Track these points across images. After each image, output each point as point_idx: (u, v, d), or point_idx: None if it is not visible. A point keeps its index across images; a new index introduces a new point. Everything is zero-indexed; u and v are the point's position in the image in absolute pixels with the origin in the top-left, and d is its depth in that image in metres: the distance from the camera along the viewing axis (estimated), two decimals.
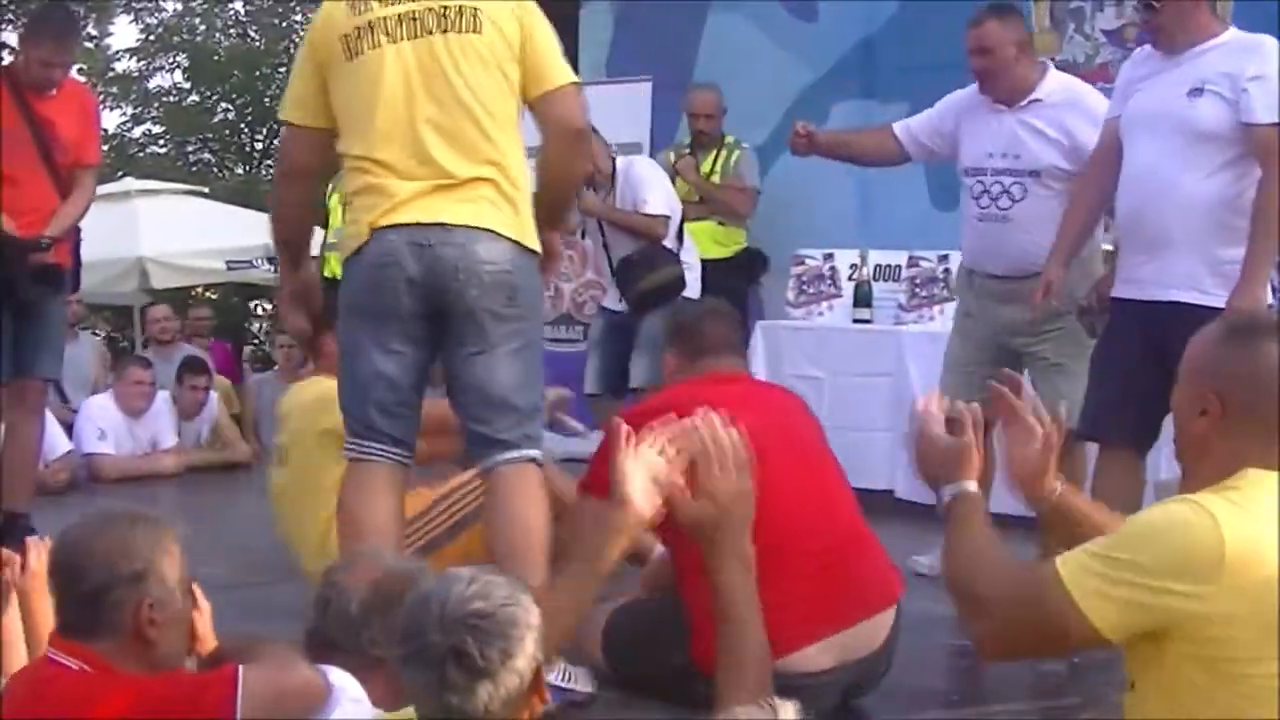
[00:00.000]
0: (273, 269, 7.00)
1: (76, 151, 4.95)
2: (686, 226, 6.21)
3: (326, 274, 5.82)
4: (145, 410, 7.28)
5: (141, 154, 22.11)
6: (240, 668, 2.27)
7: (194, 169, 21.88)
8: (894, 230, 6.47)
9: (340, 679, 2.34)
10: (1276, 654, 1.96)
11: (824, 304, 6.25)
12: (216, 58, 22.10)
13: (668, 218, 5.96)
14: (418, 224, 3.26)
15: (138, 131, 22.68)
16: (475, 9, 3.31)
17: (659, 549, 3.81)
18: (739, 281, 6.53)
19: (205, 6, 22.77)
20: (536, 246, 3.38)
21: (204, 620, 2.56)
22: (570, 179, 3.57)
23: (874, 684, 3.31)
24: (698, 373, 3.41)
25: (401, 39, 3.30)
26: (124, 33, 24.13)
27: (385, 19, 3.31)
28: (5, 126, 4.78)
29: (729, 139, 6.80)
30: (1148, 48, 4.00)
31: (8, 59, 6.30)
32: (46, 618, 2.56)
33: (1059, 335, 4.35)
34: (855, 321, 6.05)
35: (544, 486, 3.35)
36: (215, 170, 22.84)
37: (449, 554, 3.74)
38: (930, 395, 2.59)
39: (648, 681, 3.29)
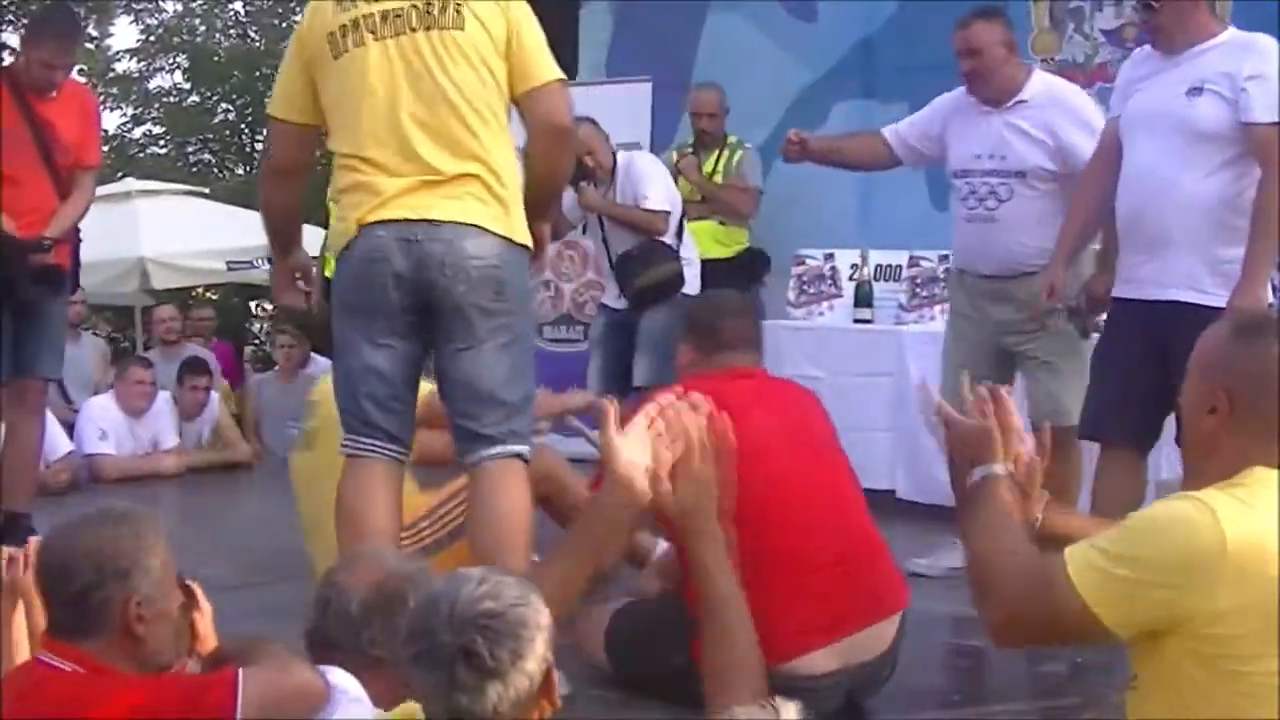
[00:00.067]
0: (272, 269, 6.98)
1: (77, 152, 4.95)
2: (688, 226, 6.21)
3: (328, 274, 5.81)
4: (146, 410, 7.28)
5: (142, 154, 22.05)
6: (240, 670, 2.27)
7: (194, 169, 21.83)
8: (895, 230, 6.46)
9: (340, 679, 2.34)
10: (1277, 652, 1.96)
11: (825, 304, 6.24)
12: (217, 58, 22.04)
13: (668, 213, 5.93)
14: (405, 220, 3.26)
15: (138, 132, 22.64)
16: (459, 5, 3.30)
17: (661, 548, 3.81)
18: (741, 282, 6.48)
19: (205, 7, 22.72)
20: (527, 241, 3.38)
21: (205, 621, 2.56)
22: (556, 175, 3.55)
23: (875, 689, 3.29)
24: (713, 367, 3.39)
25: (386, 36, 3.30)
26: (124, 33, 24.13)
27: (370, 16, 3.31)
28: (6, 127, 4.79)
29: (732, 139, 6.78)
30: (1147, 48, 4.01)
31: (9, 60, 6.31)
32: None
33: (1049, 334, 4.37)
34: (856, 321, 6.04)
35: (529, 482, 3.33)
36: (215, 171, 22.79)
37: (446, 559, 3.74)
38: (926, 385, 2.58)
39: (649, 682, 3.29)
